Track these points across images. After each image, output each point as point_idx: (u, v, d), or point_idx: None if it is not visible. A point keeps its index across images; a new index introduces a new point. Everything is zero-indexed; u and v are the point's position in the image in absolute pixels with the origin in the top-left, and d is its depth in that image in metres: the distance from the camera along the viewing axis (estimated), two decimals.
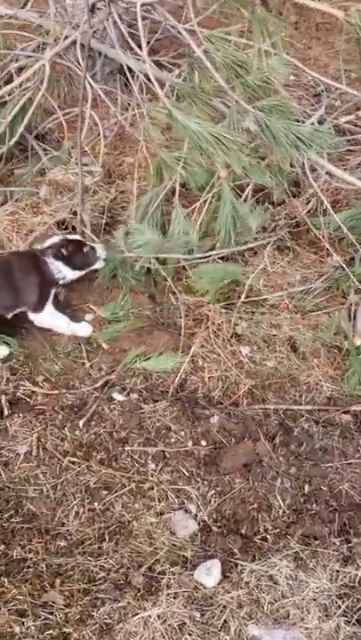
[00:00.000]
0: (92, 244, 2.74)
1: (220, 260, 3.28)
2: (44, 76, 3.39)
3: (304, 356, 2.76)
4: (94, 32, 3.66)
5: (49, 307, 2.61)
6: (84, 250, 2.69)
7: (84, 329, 2.69)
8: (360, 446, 2.33)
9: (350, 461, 2.28)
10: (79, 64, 3.47)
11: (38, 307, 2.58)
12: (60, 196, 3.43)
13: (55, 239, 2.71)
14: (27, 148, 3.75)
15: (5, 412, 2.36)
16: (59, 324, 2.65)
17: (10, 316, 2.58)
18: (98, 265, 2.78)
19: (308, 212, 3.32)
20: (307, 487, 2.19)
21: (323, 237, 3.09)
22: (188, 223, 3.18)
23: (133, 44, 3.10)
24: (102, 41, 3.74)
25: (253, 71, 2.24)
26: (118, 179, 3.69)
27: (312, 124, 2.88)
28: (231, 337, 2.84)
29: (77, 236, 2.74)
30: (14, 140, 3.41)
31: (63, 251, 2.63)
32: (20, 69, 3.65)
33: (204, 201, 3.21)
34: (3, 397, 2.38)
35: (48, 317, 2.61)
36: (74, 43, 3.46)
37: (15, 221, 3.19)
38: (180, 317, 2.89)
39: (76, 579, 1.91)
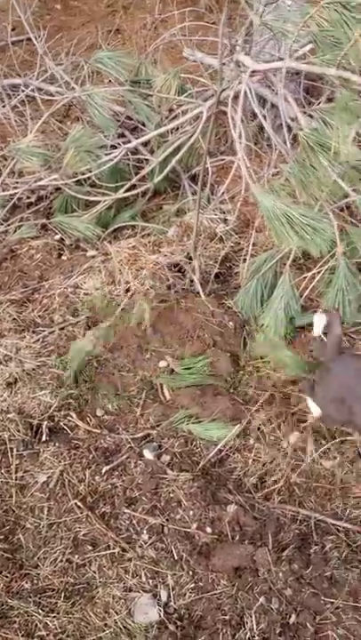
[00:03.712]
0: None
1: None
2: (201, 122, 3.46)
3: None
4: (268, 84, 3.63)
5: None
6: None
7: None
8: None
9: (358, 605, 1.97)
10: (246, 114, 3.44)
11: None
12: (187, 238, 3.49)
13: None
14: (180, 186, 3.89)
15: (43, 438, 2.46)
16: None
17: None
18: None
19: None
20: (293, 617, 1.94)
21: None
22: (293, 292, 3.04)
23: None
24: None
25: None
26: (256, 231, 3.64)
27: None
28: (301, 423, 2.64)
29: None
30: (159, 178, 3.54)
31: None
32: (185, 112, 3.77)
33: (318, 271, 3.06)
34: (45, 423, 2.48)
35: None
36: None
37: (133, 255, 3.32)
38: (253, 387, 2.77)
39: (15, 628, 1.92)
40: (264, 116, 2.89)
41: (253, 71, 2.41)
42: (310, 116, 2.56)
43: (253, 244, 3.42)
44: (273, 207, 2.11)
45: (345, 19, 1.80)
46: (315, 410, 2.35)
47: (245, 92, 2.97)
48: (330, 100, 3.40)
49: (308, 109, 2.35)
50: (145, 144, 3.80)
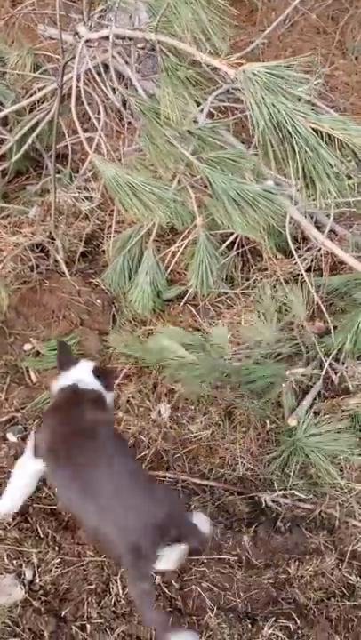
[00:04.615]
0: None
1: (191, 307, 3.16)
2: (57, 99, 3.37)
3: (235, 425, 2.54)
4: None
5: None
6: None
7: None
8: (240, 544, 2.06)
9: (222, 557, 2.04)
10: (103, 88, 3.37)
11: None
12: (50, 218, 3.41)
13: None
14: (43, 166, 3.79)
15: None
16: None
17: None
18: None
19: (292, 273, 3.10)
20: (159, 577, 1.98)
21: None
22: (158, 266, 3.07)
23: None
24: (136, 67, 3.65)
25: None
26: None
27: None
28: (168, 393, 2.68)
29: None
30: (17, 157, 3.43)
31: None
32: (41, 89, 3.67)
33: (181, 244, 3.10)
34: None
35: None
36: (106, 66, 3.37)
37: None
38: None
39: None
40: (114, 89, 2.87)
41: (88, 40, 2.38)
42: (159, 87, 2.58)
43: (120, 221, 3.41)
44: (116, 176, 2.10)
45: None
46: None
47: (103, 66, 2.95)
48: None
49: (148, 78, 2.36)
50: (4, 125, 3.68)
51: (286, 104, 1.53)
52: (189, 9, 1.62)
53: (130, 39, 2.64)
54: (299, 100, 1.47)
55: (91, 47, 2.54)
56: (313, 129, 1.55)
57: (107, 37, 2.35)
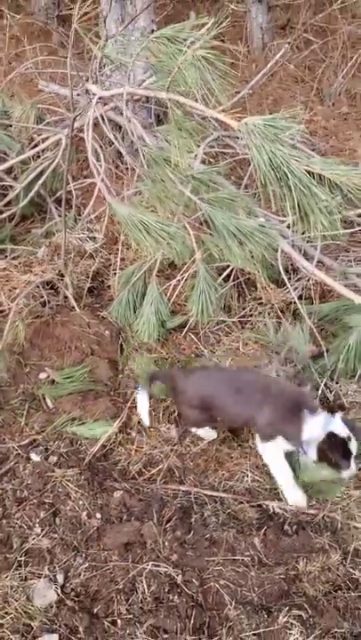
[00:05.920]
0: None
1: (192, 335, 3.38)
2: (61, 148, 3.67)
3: (240, 442, 2.74)
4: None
5: None
6: None
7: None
8: (252, 546, 2.25)
9: (236, 558, 2.22)
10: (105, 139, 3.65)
11: None
12: (57, 257, 3.66)
13: None
14: (46, 210, 4.06)
15: None
16: None
17: None
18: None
19: (285, 301, 3.35)
20: (180, 577, 2.16)
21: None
22: (161, 297, 3.31)
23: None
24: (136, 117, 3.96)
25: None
26: (123, 246, 3.88)
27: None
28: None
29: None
30: (24, 202, 3.69)
31: None
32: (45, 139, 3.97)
33: (182, 278, 3.35)
34: None
35: None
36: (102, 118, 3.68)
37: (4, 277, 3.44)
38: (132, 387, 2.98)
39: None
40: (116, 138, 3.16)
41: (100, 98, 2.67)
42: (156, 137, 2.88)
43: (122, 259, 3.67)
44: (130, 216, 2.36)
45: (171, 50, 2.11)
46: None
47: (101, 118, 3.25)
48: None
49: (152, 130, 2.64)
50: (8, 173, 3.95)
51: (283, 150, 1.81)
52: (197, 71, 1.90)
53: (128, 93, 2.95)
54: (293, 147, 1.74)
55: (100, 103, 2.82)
56: (306, 170, 1.82)
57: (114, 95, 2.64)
